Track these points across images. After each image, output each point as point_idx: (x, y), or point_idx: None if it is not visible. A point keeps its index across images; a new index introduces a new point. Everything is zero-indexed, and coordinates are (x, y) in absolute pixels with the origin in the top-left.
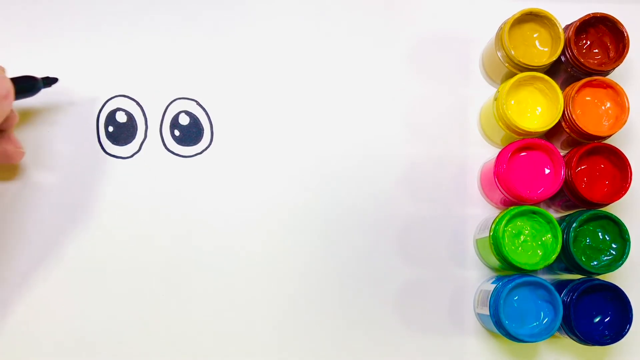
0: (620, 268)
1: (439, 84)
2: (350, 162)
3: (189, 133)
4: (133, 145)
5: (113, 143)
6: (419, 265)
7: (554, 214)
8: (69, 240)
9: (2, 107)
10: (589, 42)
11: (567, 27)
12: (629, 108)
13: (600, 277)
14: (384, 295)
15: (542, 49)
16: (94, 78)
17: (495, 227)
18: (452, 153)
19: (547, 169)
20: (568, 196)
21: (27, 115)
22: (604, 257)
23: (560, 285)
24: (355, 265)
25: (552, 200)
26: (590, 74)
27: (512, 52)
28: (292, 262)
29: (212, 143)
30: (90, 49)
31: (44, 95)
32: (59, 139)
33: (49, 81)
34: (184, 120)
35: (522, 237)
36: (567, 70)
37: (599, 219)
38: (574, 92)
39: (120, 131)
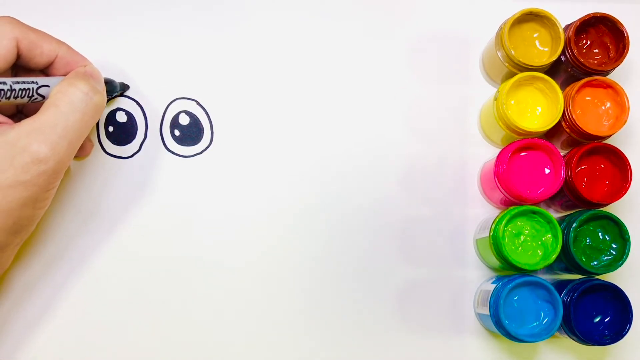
0: (620, 268)
1: (439, 84)
2: (350, 162)
3: (189, 133)
4: (133, 145)
5: (113, 143)
6: (419, 265)
7: (554, 214)
8: (68, 240)
9: (105, 96)
10: (589, 42)
11: (567, 27)
12: (629, 108)
13: (600, 277)
14: (384, 295)
15: (542, 49)
16: None
17: (495, 227)
18: (452, 153)
19: (547, 169)
20: (568, 196)
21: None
22: (604, 257)
23: (560, 285)
24: (355, 265)
25: (552, 200)
26: (590, 74)
27: (512, 52)
28: (292, 262)
29: (212, 143)
30: (89, 49)
31: None
32: None
33: (123, 87)
34: (184, 120)
35: (522, 237)
36: (567, 70)
37: (599, 219)
38: (574, 92)
39: (120, 131)
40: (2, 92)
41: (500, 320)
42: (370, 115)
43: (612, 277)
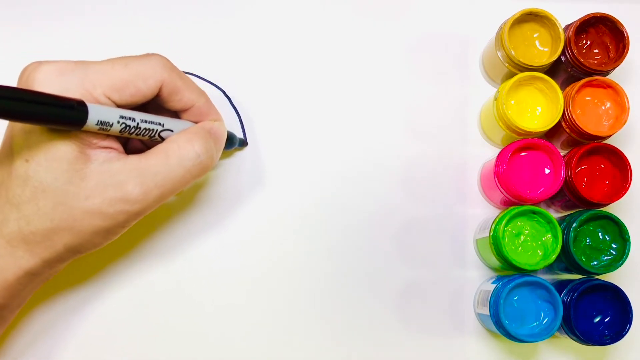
0: (620, 268)
1: (439, 84)
2: (350, 162)
3: None
4: None
5: None
6: (419, 265)
7: (554, 214)
8: None
9: (218, 155)
10: (589, 42)
11: (567, 27)
12: (629, 108)
13: (600, 277)
14: (384, 295)
15: (542, 49)
16: None
17: (495, 227)
18: (452, 153)
19: (547, 169)
20: (568, 196)
21: None
22: (604, 257)
23: (560, 285)
24: (355, 265)
25: (552, 200)
26: (590, 74)
27: (512, 52)
28: (292, 262)
29: None
30: (89, 49)
31: None
32: None
33: (242, 143)
34: None
35: (522, 237)
36: (567, 70)
37: (599, 219)
38: (574, 92)
39: None
40: (128, 128)
41: (500, 320)
42: (370, 115)
43: (612, 277)
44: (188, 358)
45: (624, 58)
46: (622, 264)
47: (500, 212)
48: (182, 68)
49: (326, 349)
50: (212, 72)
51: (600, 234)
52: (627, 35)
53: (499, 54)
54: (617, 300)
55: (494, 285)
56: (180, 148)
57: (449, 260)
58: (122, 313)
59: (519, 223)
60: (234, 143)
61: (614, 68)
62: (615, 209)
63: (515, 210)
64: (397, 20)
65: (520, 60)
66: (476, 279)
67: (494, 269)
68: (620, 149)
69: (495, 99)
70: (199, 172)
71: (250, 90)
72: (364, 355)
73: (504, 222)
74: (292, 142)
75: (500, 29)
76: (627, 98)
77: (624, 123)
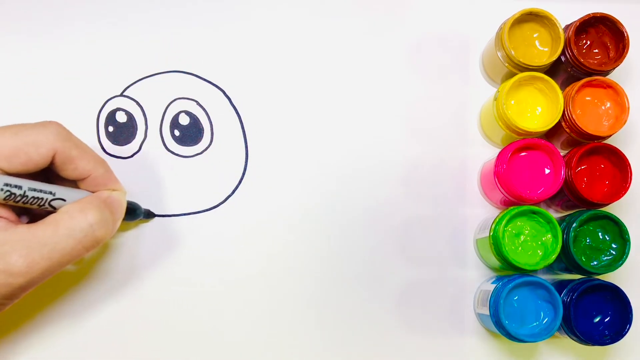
0: (620, 268)
1: (439, 84)
2: (350, 162)
3: (189, 133)
4: (133, 145)
5: (113, 143)
6: (419, 265)
7: (554, 214)
8: None
9: (116, 227)
10: (589, 42)
11: (567, 27)
12: (629, 108)
13: (600, 277)
14: (384, 295)
15: (542, 49)
16: (94, 78)
17: (495, 227)
18: (452, 153)
19: (547, 169)
20: (568, 196)
21: (25, 116)
22: (604, 257)
23: (560, 285)
24: (355, 265)
25: (552, 200)
26: (590, 74)
27: (512, 52)
28: (292, 261)
29: (212, 143)
30: (90, 49)
31: (42, 95)
32: None
33: (149, 214)
34: (183, 120)
35: (522, 237)
36: (567, 70)
37: (599, 219)
38: (574, 92)
39: (120, 131)
40: (13, 196)
41: (500, 320)
42: (370, 115)
43: (612, 277)
44: None
45: (624, 58)
46: (622, 264)
47: (500, 212)
48: (182, 68)
49: (326, 349)
50: (212, 72)
51: (600, 234)
52: (627, 35)
53: (499, 54)
54: (617, 300)
55: (494, 285)
56: (71, 218)
57: (449, 260)
58: None
59: (519, 223)
60: (137, 214)
61: (614, 68)
62: (615, 209)
63: (515, 210)
64: (397, 21)
65: (520, 60)
66: (476, 279)
67: (494, 269)
68: (620, 149)
69: (495, 99)
70: (91, 243)
71: (250, 90)
72: (364, 355)
73: (504, 222)
74: (292, 142)
75: (500, 29)
76: (627, 98)
77: (624, 123)
